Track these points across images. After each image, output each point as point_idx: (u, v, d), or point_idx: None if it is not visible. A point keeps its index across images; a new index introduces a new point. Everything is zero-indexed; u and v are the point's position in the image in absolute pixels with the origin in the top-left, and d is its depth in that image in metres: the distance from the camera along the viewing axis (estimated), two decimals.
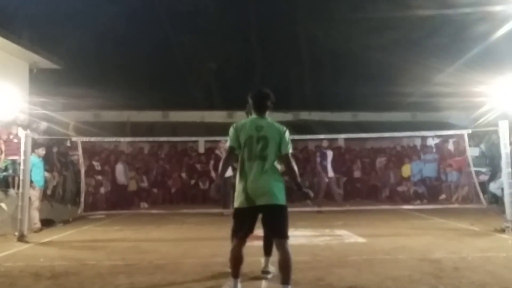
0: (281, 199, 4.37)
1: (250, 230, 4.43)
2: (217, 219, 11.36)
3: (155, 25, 27.57)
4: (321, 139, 13.81)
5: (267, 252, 5.41)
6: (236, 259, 4.45)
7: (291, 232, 9.28)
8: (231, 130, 4.53)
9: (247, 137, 4.40)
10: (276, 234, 4.46)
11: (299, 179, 4.55)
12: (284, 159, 4.50)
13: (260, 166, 4.33)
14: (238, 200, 4.39)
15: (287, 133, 4.51)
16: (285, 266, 4.32)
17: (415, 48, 22.23)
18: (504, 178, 9.10)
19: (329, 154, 13.33)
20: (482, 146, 13.93)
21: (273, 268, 5.37)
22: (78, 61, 20.85)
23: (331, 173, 13.12)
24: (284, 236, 4.39)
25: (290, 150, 4.53)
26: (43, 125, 12.21)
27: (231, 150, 4.51)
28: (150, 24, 27.19)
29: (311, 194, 4.78)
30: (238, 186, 4.42)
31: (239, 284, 4.55)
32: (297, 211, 12.54)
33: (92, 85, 19.90)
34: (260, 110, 4.59)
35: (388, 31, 23.90)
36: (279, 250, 4.38)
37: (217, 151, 13.18)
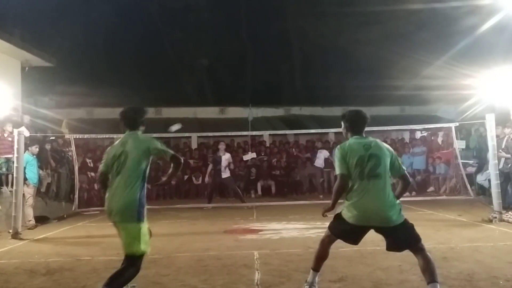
0: (397, 218, 4.11)
1: (355, 242, 4.39)
2: (210, 214, 11.47)
3: (146, 22, 27.54)
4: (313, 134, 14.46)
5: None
6: (323, 253, 4.42)
7: (283, 225, 9.48)
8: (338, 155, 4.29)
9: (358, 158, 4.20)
10: (407, 248, 4.21)
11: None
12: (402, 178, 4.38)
13: (376, 185, 4.13)
14: (348, 214, 4.18)
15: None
16: (426, 267, 4.10)
17: (403, 41, 22.31)
18: (491, 169, 9.27)
19: (321, 155, 15.04)
20: (473, 139, 14.05)
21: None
22: (71, 59, 20.83)
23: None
24: (416, 244, 4.15)
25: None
26: (26, 118, 12.18)
27: (343, 177, 4.24)
28: (141, 21, 27.20)
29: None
30: (350, 202, 4.19)
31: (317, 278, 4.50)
32: (289, 205, 12.75)
33: (84, 83, 19.95)
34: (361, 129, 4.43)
35: (376, 25, 24.05)
36: (417, 255, 4.15)
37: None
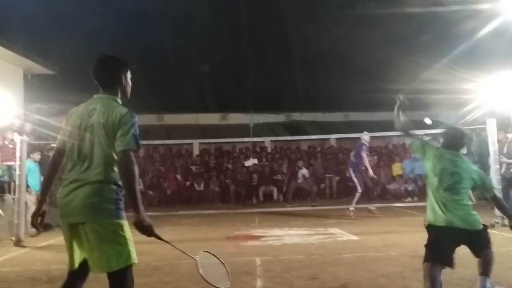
0: (479, 223, 4.27)
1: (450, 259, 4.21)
2: (212, 220, 11.46)
3: (148, 30, 27.69)
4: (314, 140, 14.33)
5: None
6: (433, 284, 4.12)
7: (285, 231, 9.44)
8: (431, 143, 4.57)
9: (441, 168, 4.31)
10: (482, 250, 4.32)
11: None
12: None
13: (453, 197, 4.26)
14: (431, 215, 4.36)
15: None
16: (483, 261, 4.30)
17: (403, 45, 22.37)
18: (492, 174, 9.24)
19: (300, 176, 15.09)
20: (474, 144, 14.02)
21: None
22: (73, 66, 20.83)
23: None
24: (488, 246, 4.30)
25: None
26: (28, 125, 12.19)
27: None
28: (144, 28, 27.32)
29: None
30: (430, 208, 4.39)
31: None
32: (291, 211, 12.73)
33: (87, 90, 19.92)
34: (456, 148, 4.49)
35: (376, 29, 24.12)
36: (481, 254, 4.31)
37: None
